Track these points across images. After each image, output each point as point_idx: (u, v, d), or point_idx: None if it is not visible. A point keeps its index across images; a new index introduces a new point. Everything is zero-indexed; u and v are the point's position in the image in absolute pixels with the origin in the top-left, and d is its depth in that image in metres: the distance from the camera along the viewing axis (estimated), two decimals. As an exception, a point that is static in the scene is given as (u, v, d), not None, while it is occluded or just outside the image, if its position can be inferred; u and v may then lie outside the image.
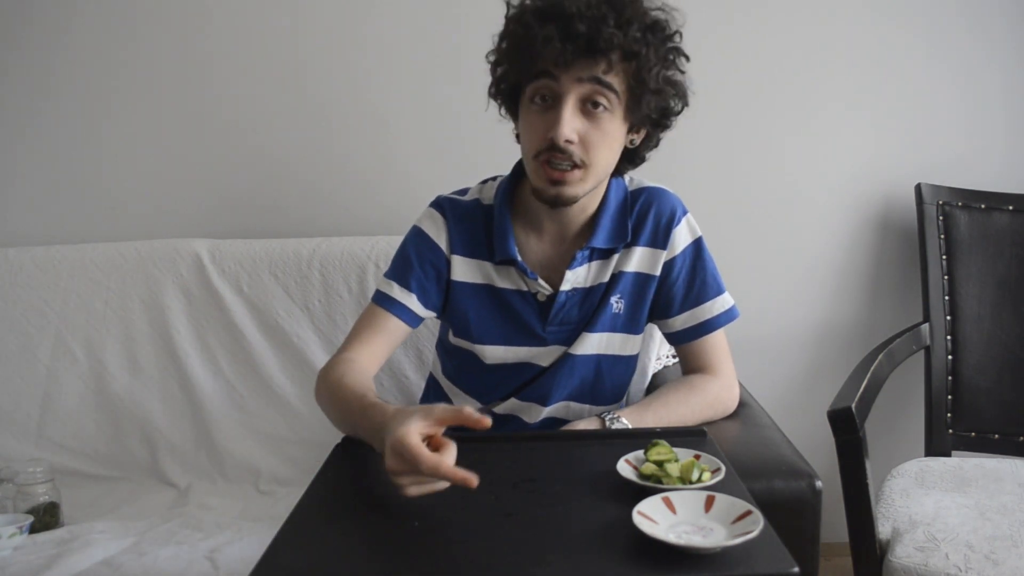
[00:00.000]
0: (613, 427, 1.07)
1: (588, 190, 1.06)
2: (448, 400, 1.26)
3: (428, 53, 1.74)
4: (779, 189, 1.79)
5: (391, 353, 1.17)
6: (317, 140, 1.77)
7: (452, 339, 1.21)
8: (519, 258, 1.12)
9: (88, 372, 1.59)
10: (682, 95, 1.07)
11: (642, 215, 1.14)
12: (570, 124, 0.99)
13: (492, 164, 1.30)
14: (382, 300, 1.15)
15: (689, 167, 1.76)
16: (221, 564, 1.15)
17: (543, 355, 1.16)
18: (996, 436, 1.61)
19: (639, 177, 1.20)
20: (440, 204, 1.18)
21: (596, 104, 1.00)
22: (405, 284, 1.14)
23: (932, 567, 1.12)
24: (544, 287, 1.13)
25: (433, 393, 1.30)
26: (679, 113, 1.09)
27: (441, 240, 1.16)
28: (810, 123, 1.77)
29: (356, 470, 0.90)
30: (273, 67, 1.75)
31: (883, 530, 1.26)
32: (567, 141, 0.99)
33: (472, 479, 0.76)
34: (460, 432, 0.81)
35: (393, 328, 1.13)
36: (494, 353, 1.16)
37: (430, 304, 1.15)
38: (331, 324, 1.59)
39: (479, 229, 1.15)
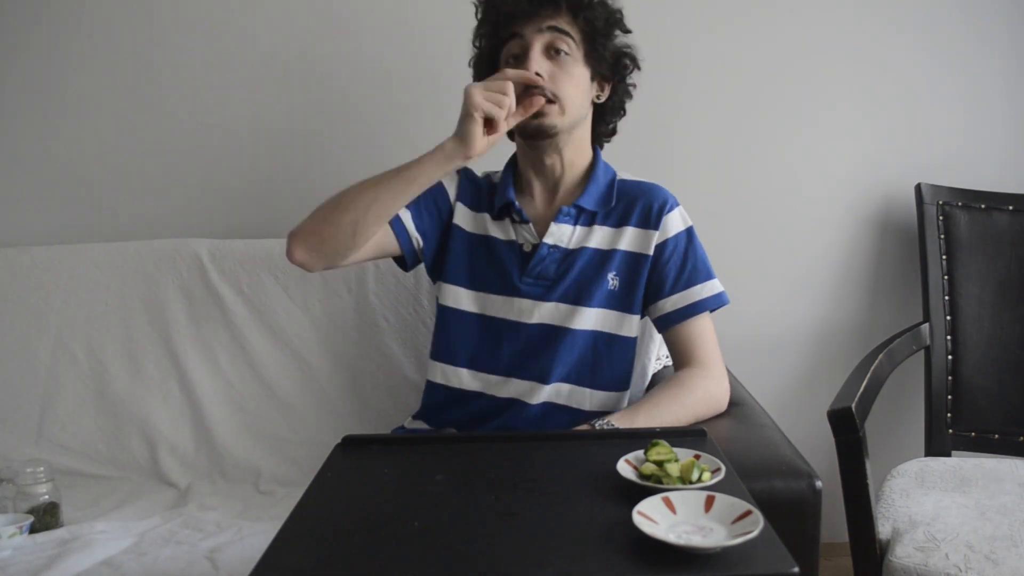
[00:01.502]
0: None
1: (566, 125, 1.19)
2: (452, 393, 1.26)
3: (429, 53, 1.74)
4: (779, 189, 1.79)
5: (375, 254, 1.24)
6: (317, 140, 1.77)
7: (439, 300, 1.29)
8: (516, 202, 1.24)
9: (88, 372, 1.59)
10: (632, 58, 1.25)
11: (634, 198, 1.24)
12: (537, 61, 1.15)
13: (493, 164, 1.32)
14: None
15: (690, 167, 1.76)
16: (221, 564, 1.15)
17: (517, 310, 1.22)
18: (996, 436, 1.61)
19: (634, 177, 1.28)
20: (460, 169, 1.30)
21: (558, 50, 1.17)
22: None
23: (932, 567, 1.12)
24: (531, 234, 1.23)
25: (438, 389, 1.30)
26: (631, 72, 1.26)
27: (451, 189, 1.30)
28: (810, 123, 1.77)
29: (356, 470, 0.90)
30: (273, 67, 1.75)
31: (883, 530, 1.26)
32: (537, 74, 1.14)
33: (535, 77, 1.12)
34: (460, 432, 0.81)
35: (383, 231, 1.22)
36: (475, 296, 1.24)
37: (421, 226, 1.26)
38: (331, 324, 1.59)
39: (484, 192, 1.31)
